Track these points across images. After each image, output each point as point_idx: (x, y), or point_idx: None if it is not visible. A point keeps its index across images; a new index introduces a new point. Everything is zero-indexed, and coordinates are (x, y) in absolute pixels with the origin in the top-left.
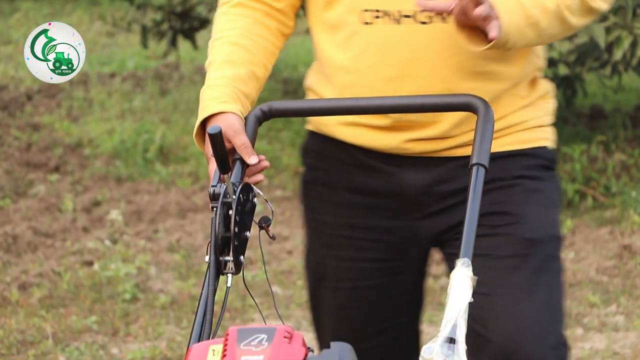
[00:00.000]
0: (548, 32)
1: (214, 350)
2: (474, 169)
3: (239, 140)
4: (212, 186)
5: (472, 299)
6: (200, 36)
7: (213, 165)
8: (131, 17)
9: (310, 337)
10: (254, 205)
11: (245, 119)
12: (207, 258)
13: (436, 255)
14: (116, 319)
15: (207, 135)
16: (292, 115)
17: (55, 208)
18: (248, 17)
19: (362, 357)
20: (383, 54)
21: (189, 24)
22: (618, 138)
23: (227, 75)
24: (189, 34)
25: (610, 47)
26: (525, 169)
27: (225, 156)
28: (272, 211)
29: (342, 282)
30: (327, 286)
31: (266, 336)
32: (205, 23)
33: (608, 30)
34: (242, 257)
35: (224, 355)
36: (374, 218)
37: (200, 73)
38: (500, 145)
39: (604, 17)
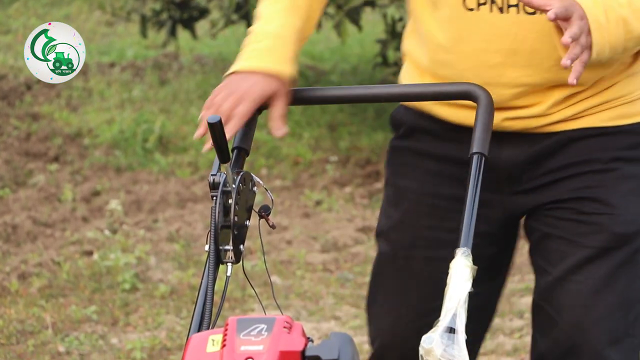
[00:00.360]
0: None
1: (213, 340)
2: (474, 157)
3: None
4: (212, 175)
5: (549, 280)
6: (199, 26)
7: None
8: (130, 7)
9: (309, 327)
10: (253, 194)
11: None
12: (206, 247)
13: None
14: (116, 309)
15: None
16: (292, 104)
17: (55, 198)
18: None
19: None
20: (486, 41)
21: (188, 13)
22: None
23: (286, 25)
24: (188, 24)
25: None
26: (624, 149)
27: (225, 145)
28: (272, 200)
29: (417, 250)
30: (399, 255)
31: (266, 326)
32: (204, 13)
33: None
34: (241, 247)
35: (223, 345)
36: (460, 188)
37: (200, 63)
38: (599, 120)
39: None
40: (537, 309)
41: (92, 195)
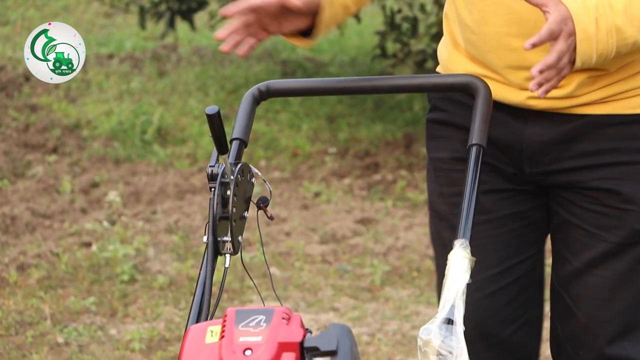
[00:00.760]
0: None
1: (212, 331)
2: (473, 149)
3: None
4: (210, 166)
5: (569, 269)
6: (198, 17)
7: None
8: None
9: (308, 319)
10: (252, 186)
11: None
12: (205, 239)
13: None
14: (114, 300)
15: None
16: (290, 95)
17: (54, 189)
18: None
19: (481, 305)
20: (507, 25)
21: (187, 5)
22: None
23: None
24: (187, 15)
25: None
26: None
27: (223, 136)
28: (270, 192)
29: (457, 218)
30: (444, 227)
31: (264, 317)
32: (203, 4)
33: None
34: (240, 238)
35: (222, 336)
36: (489, 157)
37: (198, 54)
38: (628, 107)
39: None
40: (556, 295)
41: (91, 186)
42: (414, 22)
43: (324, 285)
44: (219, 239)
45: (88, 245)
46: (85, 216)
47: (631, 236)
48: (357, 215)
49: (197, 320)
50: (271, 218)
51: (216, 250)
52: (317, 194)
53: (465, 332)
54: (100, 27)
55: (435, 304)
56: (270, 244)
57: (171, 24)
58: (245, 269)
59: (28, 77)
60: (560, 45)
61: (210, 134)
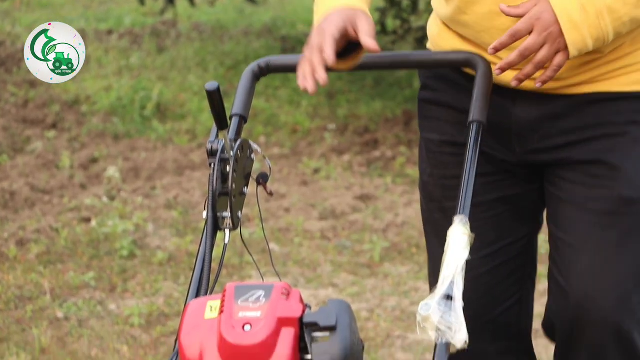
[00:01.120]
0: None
1: (211, 307)
2: (473, 126)
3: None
4: (210, 142)
5: (561, 247)
6: None
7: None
8: None
9: (307, 294)
10: (251, 162)
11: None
12: (204, 215)
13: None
14: (114, 276)
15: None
16: (290, 71)
17: (53, 165)
18: None
19: (471, 286)
20: (497, 4)
21: None
22: None
23: None
24: None
25: None
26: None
27: (223, 112)
28: (270, 168)
29: (448, 201)
30: (434, 208)
31: (264, 293)
32: None
33: None
34: (239, 214)
35: (221, 312)
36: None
37: (197, 30)
38: (616, 84)
39: None
40: (550, 275)
41: (90, 162)
42: None
43: (323, 261)
44: (218, 214)
45: (87, 220)
46: (84, 192)
47: (620, 205)
48: (357, 192)
49: (197, 296)
50: (271, 194)
51: (216, 226)
52: (316, 171)
53: None
54: (100, 2)
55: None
56: (269, 220)
57: (171, 0)
58: (245, 245)
59: None
60: (530, 41)
61: (210, 110)
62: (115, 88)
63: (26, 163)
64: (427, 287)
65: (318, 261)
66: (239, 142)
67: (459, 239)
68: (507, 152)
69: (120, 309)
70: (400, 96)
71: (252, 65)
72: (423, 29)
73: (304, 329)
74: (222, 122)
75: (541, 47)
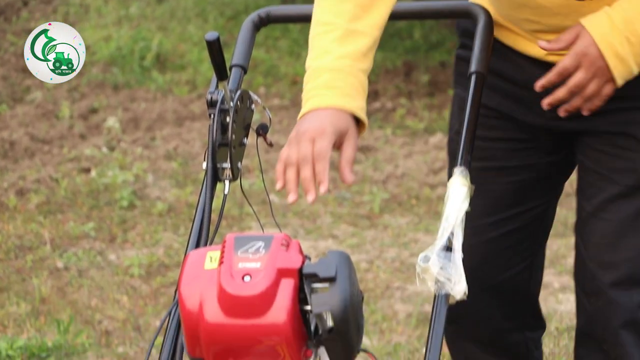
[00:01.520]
0: None
1: (211, 257)
2: (473, 77)
3: (348, 152)
4: (210, 93)
5: (583, 216)
6: None
7: None
8: None
9: (307, 246)
10: (251, 113)
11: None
12: (204, 165)
13: (435, 163)
14: (113, 226)
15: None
16: (290, 22)
17: (52, 115)
18: None
19: (478, 250)
20: None
21: None
22: None
23: (350, 54)
24: None
25: None
26: None
27: (223, 63)
28: (270, 119)
29: (472, 161)
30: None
31: (263, 244)
32: None
33: None
34: (239, 165)
35: (221, 262)
36: (506, 103)
37: None
38: None
39: None
40: (575, 243)
41: (90, 112)
42: None
43: (323, 213)
44: (218, 165)
45: (87, 170)
46: (84, 142)
47: None
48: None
49: (197, 246)
50: (270, 145)
51: (215, 176)
52: None
53: None
54: None
55: (434, 232)
56: (269, 171)
57: None
58: (245, 196)
59: (26, 1)
60: (579, 78)
61: (209, 61)
62: (114, 38)
63: (26, 113)
64: (426, 238)
65: (318, 212)
66: (238, 92)
67: (458, 190)
68: (535, 116)
69: (120, 259)
70: (401, 47)
71: (252, 16)
72: None
73: (304, 280)
74: (221, 73)
75: (590, 82)
